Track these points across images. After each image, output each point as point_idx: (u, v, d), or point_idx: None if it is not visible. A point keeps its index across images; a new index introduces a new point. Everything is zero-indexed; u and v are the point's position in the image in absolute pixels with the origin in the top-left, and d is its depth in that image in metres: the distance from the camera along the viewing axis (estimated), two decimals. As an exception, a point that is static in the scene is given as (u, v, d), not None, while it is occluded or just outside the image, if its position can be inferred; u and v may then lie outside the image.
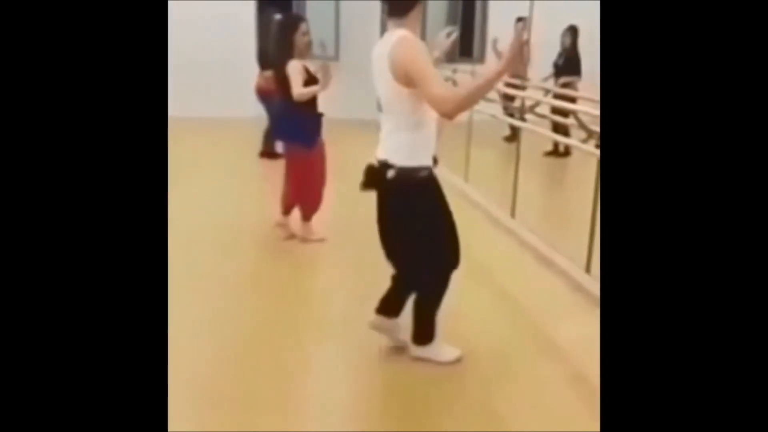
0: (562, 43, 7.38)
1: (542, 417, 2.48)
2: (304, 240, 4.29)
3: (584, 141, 4.72)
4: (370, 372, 2.76)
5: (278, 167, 4.50)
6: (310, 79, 3.93)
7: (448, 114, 2.26)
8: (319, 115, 4.06)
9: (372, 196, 2.61)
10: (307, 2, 9.25)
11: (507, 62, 2.19)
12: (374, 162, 2.55)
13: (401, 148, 2.46)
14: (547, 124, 5.97)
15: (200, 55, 8.48)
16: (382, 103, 2.48)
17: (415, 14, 2.41)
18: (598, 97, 4.99)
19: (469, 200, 5.44)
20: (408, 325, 2.80)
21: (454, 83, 6.31)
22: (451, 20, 9.88)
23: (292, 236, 4.32)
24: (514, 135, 7.98)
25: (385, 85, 2.40)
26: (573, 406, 2.57)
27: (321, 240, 4.28)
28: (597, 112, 4.00)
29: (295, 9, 9.07)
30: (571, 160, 7.21)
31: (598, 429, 1.23)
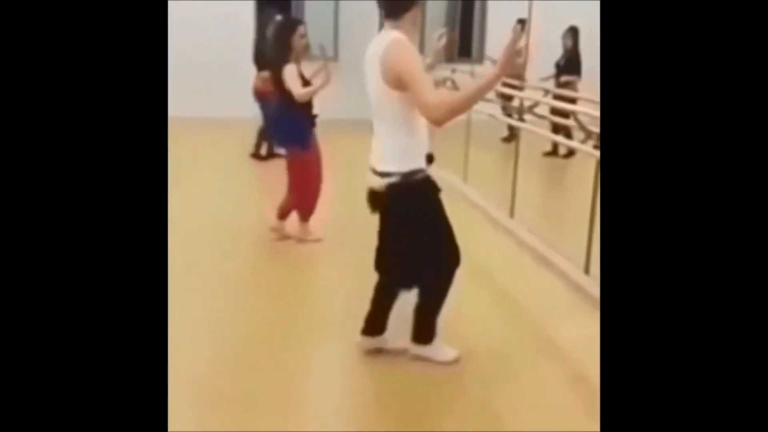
0: (564, 44, 7.38)
1: (541, 417, 2.48)
2: (301, 240, 4.28)
3: (583, 141, 4.73)
4: (370, 372, 2.76)
5: (270, 168, 4.49)
6: (305, 84, 3.95)
7: (437, 121, 2.24)
8: (313, 117, 4.06)
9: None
10: (306, 3, 9.25)
11: (500, 70, 2.16)
12: (370, 177, 2.54)
13: (394, 153, 2.45)
14: (546, 124, 5.98)
15: (199, 55, 8.48)
16: (372, 105, 2.47)
17: (410, 17, 2.40)
18: (596, 98, 5.00)
19: (468, 201, 5.44)
20: (400, 331, 2.80)
21: (453, 83, 6.31)
22: (450, 21, 9.89)
23: (286, 237, 4.30)
24: (512, 135, 8.00)
25: (375, 86, 2.39)
26: (572, 406, 2.57)
27: (317, 240, 4.28)
28: (595, 112, 4.01)
29: (294, 10, 9.08)
30: (570, 160, 7.22)
31: (598, 429, 1.23)
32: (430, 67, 2.82)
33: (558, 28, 7.34)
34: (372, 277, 2.76)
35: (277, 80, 3.95)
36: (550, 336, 3.15)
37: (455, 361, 2.78)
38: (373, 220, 2.66)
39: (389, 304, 2.78)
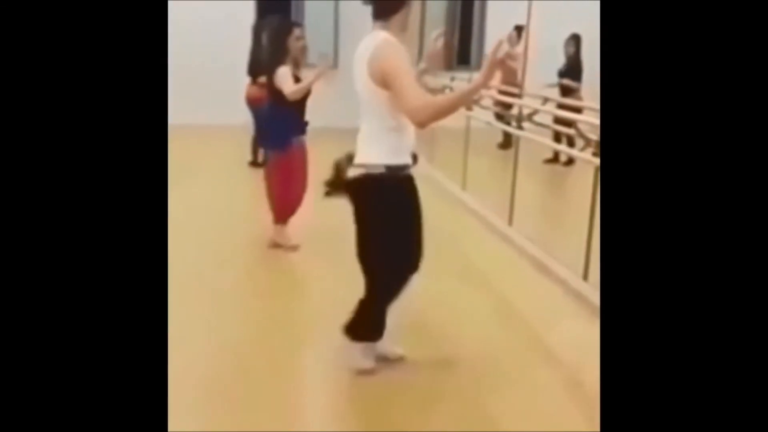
0: (566, 51, 7.41)
1: (539, 423, 2.48)
2: (276, 245, 4.21)
3: (582, 149, 4.74)
4: (363, 378, 2.75)
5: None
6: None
7: (419, 123, 2.27)
8: (304, 123, 4.04)
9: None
10: (306, 11, 9.30)
11: (483, 78, 2.18)
12: (342, 158, 2.52)
13: (379, 149, 2.44)
14: (543, 131, 5.99)
15: (196, 61, 8.50)
16: (360, 104, 2.47)
17: (399, 17, 2.42)
18: (595, 105, 5.02)
19: (466, 208, 5.45)
20: (396, 338, 2.79)
21: (452, 92, 6.33)
22: (449, 28, 9.93)
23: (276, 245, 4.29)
24: (507, 142, 8.03)
25: (363, 86, 2.40)
26: (570, 412, 2.57)
27: (294, 247, 4.22)
28: (594, 120, 4.02)
29: (294, 18, 9.11)
30: (569, 167, 7.23)
31: (597, 436, 1.23)
32: (425, 72, 2.82)
33: (558, 34, 7.36)
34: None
35: (270, 81, 3.93)
36: (548, 342, 3.15)
37: (367, 372, 2.70)
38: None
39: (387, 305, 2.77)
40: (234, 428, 2.37)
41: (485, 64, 2.17)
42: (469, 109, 5.94)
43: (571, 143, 5.84)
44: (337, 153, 2.59)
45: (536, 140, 5.10)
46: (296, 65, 3.97)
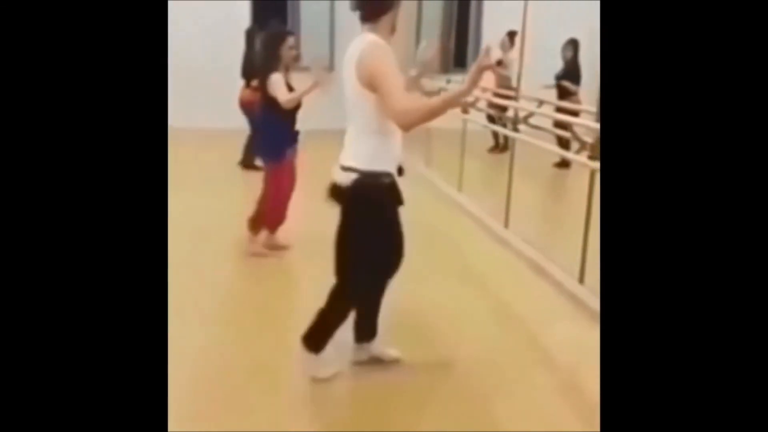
0: (564, 56, 7.42)
1: (535, 425, 2.48)
2: (270, 250, 4.24)
3: (577, 152, 4.75)
4: (361, 380, 2.76)
5: (259, 177, 4.47)
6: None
7: (404, 126, 2.28)
8: (295, 132, 4.06)
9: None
10: (302, 15, 9.31)
11: (468, 84, 2.21)
12: (336, 172, 2.51)
13: (364, 152, 2.44)
14: (540, 134, 6.00)
15: (193, 64, 8.49)
16: (347, 106, 2.47)
17: (386, 20, 2.42)
18: (591, 108, 5.03)
19: (462, 210, 5.46)
20: (389, 341, 2.79)
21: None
22: (445, 31, 9.95)
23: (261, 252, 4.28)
24: (497, 146, 8.02)
25: (351, 88, 2.40)
26: (566, 415, 2.57)
27: (285, 248, 4.27)
28: (590, 123, 4.03)
29: (290, 21, 9.12)
30: (565, 170, 7.24)
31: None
32: (417, 79, 2.83)
33: (555, 38, 7.38)
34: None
35: (263, 89, 3.95)
36: (544, 345, 3.16)
37: (326, 380, 2.70)
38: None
39: (374, 305, 2.77)
40: (227, 429, 2.38)
41: (472, 69, 2.19)
42: (465, 111, 5.95)
43: (566, 146, 5.84)
44: (331, 156, 2.59)
45: (531, 143, 5.11)
46: (286, 72, 3.99)
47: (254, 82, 4.23)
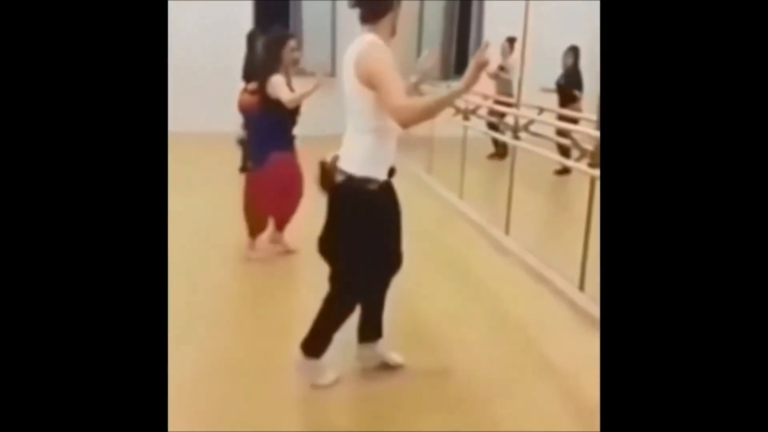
0: (564, 63, 7.44)
1: (536, 433, 2.48)
2: (250, 258, 4.26)
3: (577, 159, 4.75)
4: (361, 384, 2.75)
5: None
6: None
7: (403, 123, 2.29)
8: (289, 137, 4.06)
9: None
10: (304, 20, 9.33)
11: (464, 84, 2.21)
12: (327, 159, 2.54)
13: (357, 154, 2.46)
14: (540, 141, 6.00)
15: (194, 69, 8.50)
16: (346, 106, 2.49)
17: (386, 21, 2.44)
18: (592, 116, 5.04)
19: (463, 217, 5.46)
20: (392, 345, 2.78)
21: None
22: (446, 37, 9.98)
23: (288, 251, 4.30)
24: (497, 153, 8.02)
25: (350, 88, 2.42)
26: (567, 423, 2.57)
27: (292, 252, 4.27)
28: (590, 130, 4.04)
29: (292, 26, 9.14)
30: (566, 177, 7.25)
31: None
32: (417, 85, 2.85)
33: (556, 45, 7.40)
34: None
35: (262, 92, 3.96)
36: (545, 352, 3.15)
37: (325, 387, 2.69)
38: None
39: (378, 305, 2.77)
40: (227, 429, 2.38)
41: (469, 67, 2.19)
42: (466, 119, 5.96)
43: (567, 153, 5.84)
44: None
45: (531, 150, 5.12)
46: (287, 75, 3.99)
47: (251, 85, 4.23)
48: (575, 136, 4.30)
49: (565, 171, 7.15)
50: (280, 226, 4.31)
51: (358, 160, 2.45)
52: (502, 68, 7.91)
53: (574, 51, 7.38)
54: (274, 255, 4.29)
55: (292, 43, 4.01)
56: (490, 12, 9.74)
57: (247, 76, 6.13)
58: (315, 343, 2.66)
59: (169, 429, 1.37)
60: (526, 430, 2.49)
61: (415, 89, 2.83)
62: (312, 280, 3.97)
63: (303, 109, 4.02)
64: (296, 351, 2.67)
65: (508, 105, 5.82)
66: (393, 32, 2.49)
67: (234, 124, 6.55)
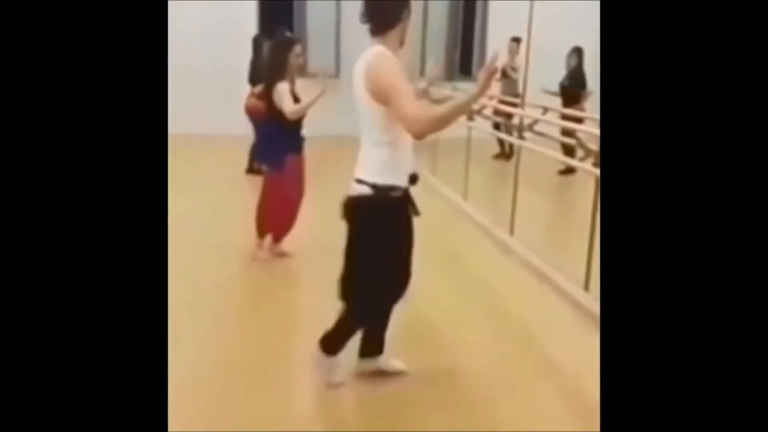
0: (568, 63, 7.43)
1: (540, 434, 2.47)
2: (276, 256, 4.26)
3: (582, 159, 4.74)
4: (365, 388, 2.74)
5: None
6: (296, 102, 3.95)
7: (417, 134, 2.27)
8: (300, 139, 4.06)
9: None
10: (308, 21, 9.34)
11: (479, 89, 2.19)
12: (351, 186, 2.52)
13: (375, 165, 2.44)
14: (545, 141, 6.00)
15: (198, 71, 8.52)
16: (359, 117, 2.47)
17: (394, 33, 2.43)
18: (596, 116, 5.02)
19: (468, 218, 5.45)
20: (395, 352, 2.78)
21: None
22: (450, 39, 9.98)
23: (281, 254, 4.29)
24: (502, 153, 8.02)
25: (361, 100, 2.41)
26: (569, 422, 2.56)
27: (287, 256, 4.28)
28: (594, 130, 4.03)
29: (296, 24, 9.15)
30: (570, 177, 7.24)
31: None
32: (425, 92, 2.85)
33: (561, 45, 7.39)
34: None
35: (269, 97, 3.97)
36: (549, 353, 3.14)
37: (338, 385, 2.70)
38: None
39: (381, 325, 2.74)
40: (227, 430, 2.38)
41: (481, 73, 2.18)
42: (470, 119, 5.95)
43: (571, 153, 5.83)
44: (336, 161, 2.59)
45: (536, 150, 5.11)
46: (291, 80, 4.01)
47: (257, 89, 4.24)
48: (580, 135, 4.29)
49: (569, 171, 7.14)
50: (278, 238, 4.29)
51: (378, 169, 2.43)
52: (511, 68, 7.91)
53: (578, 52, 7.37)
54: (276, 256, 4.29)
55: (297, 48, 4.04)
56: (494, 13, 9.75)
57: (253, 80, 6.15)
58: (334, 341, 2.65)
59: (169, 429, 1.36)
60: (528, 429, 2.48)
61: (423, 94, 2.83)
62: (312, 281, 3.99)
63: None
64: (314, 346, 2.66)
65: (514, 105, 5.80)
66: (402, 43, 2.48)
67: (234, 125, 6.59)
